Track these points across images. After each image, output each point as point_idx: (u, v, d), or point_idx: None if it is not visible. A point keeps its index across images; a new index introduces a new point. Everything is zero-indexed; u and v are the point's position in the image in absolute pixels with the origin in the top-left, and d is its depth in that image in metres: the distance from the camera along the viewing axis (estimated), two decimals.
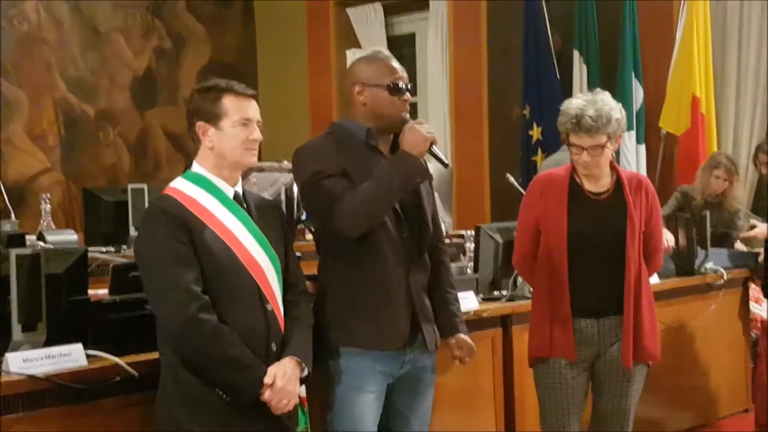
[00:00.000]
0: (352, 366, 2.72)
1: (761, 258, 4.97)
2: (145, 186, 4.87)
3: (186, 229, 2.45)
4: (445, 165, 2.78)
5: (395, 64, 2.81)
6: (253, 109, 2.58)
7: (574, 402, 3.25)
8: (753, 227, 5.03)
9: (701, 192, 5.31)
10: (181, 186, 2.56)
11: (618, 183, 3.25)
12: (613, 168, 3.28)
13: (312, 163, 2.70)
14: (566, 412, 3.24)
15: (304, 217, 5.61)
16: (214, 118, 2.53)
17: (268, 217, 2.66)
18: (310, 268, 3.60)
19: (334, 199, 2.63)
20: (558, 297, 3.18)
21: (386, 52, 2.88)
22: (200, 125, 2.54)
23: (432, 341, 2.83)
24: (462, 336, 2.92)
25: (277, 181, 5.35)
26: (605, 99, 3.19)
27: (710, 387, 4.74)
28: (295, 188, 5.50)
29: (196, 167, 2.59)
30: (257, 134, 2.57)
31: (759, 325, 4.85)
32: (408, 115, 2.79)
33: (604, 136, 3.13)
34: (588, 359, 3.24)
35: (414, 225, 2.80)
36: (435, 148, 2.72)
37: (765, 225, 5.04)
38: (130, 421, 2.60)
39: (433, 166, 2.92)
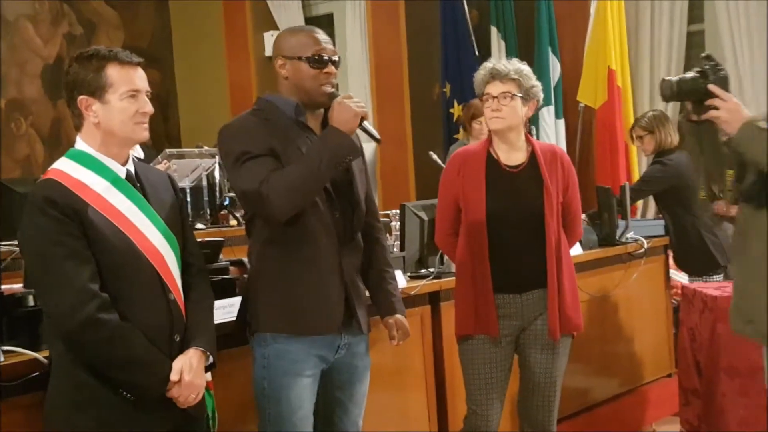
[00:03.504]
0: (287, 351, 2.65)
1: None
2: None
3: (77, 219, 2.24)
4: (378, 141, 2.70)
5: (319, 35, 2.69)
6: (140, 79, 2.35)
7: (498, 377, 3.27)
8: None
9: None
10: (65, 167, 2.32)
11: (533, 155, 3.27)
12: (528, 141, 3.31)
13: (238, 143, 2.58)
14: (489, 388, 3.27)
15: (227, 202, 5.54)
16: (98, 91, 2.29)
17: (162, 193, 2.47)
18: (235, 254, 3.54)
19: (261, 182, 2.51)
20: (480, 273, 3.20)
21: (312, 26, 2.79)
22: (83, 99, 2.30)
23: (365, 323, 2.79)
24: (400, 317, 2.89)
25: (198, 167, 5.26)
26: (523, 64, 3.31)
27: (635, 354, 4.83)
28: (217, 174, 5.42)
29: (80, 145, 2.36)
30: (148, 107, 2.36)
31: (680, 291, 4.95)
32: (334, 89, 2.69)
33: (515, 85, 3.20)
34: (512, 334, 3.26)
35: (346, 205, 2.72)
36: (366, 123, 2.63)
37: None
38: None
39: (364, 145, 2.87)
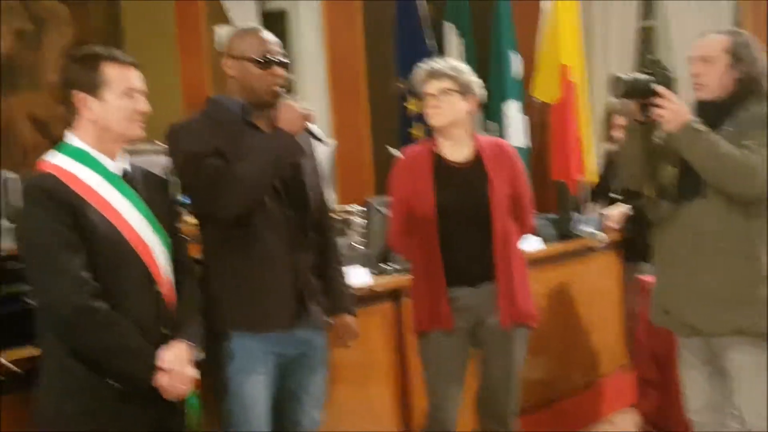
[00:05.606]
0: (241, 349, 2.69)
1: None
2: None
3: (71, 211, 2.32)
4: (323, 142, 2.78)
5: (266, 36, 2.75)
6: (136, 78, 2.46)
7: (454, 369, 3.32)
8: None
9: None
10: (60, 162, 2.41)
11: (478, 151, 3.34)
12: (473, 137, 3.36)
13: (184, 144, 2.64)
14: (447, 380, 3.31)
15: (183, 199, 5.48)
16: (94, 88, 2.39)
17: (155, 192, 2.55)
18: (194, 252, 3.49)
19: (208, 182, 2.57)
20: (432, 269, 3.25)
21: (260, 27, 2.83)
22: (79, 96, 2.40)
23: (319, 319, 2.82)
24: (347, 318, 2.93)
25: (154, 164, 5.20)
26: (459, 62, 3.43)
27: (593, 346, 4.90)
28: None
29: (74, 141, 2.44)
30: (144, 105, 2.45)
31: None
32: (282, 90, 2.74)
33: (451, 81, 3.26)
34: (467, 326, 3.31)
35: (297, 203, 2.77)
36: (311, 126, 2.69)
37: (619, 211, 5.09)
38: (15, 420, 2.47)
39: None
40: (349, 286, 3.01)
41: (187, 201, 5.50)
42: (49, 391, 2.37)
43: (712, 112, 3.02)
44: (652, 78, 2.99)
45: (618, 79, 2.99)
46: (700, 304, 3.02)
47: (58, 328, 2.33)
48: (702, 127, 2.95)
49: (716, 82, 3.02)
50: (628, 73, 3.05)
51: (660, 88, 2.96)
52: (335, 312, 2.92)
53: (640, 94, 2.99)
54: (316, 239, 2.88)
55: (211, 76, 7.63)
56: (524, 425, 3.65)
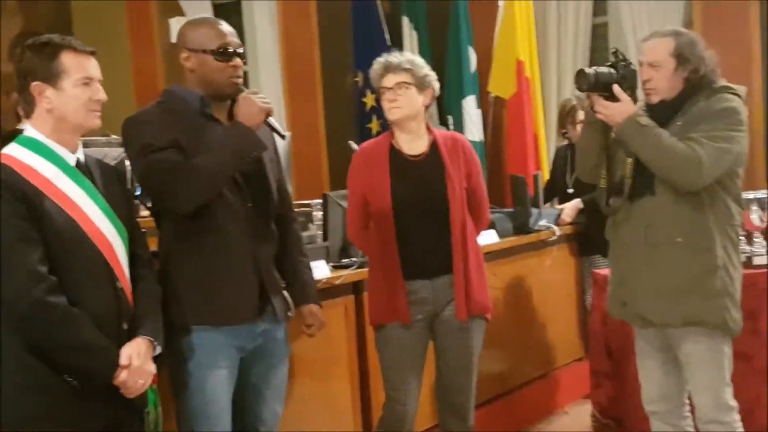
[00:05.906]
0: (202, 343, 2.65)
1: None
2: None
3: (26, 202, 2.26)
4: (282, 136, 2.75)
5: (223, 27, 2.71)
6: (94, 67, 2.41)
7: (412, 361, 3.33)
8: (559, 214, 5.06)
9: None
10: (15, 153, 2.35)
11: (434, 144, 3.35)
12: (429, 130, 3.39)
13: (141, 136, 2.58)
14: (405, 372, 3.32)
15: (138, 192, 5.40)
16: (51, 78, 2.34)
17: (111, 184, 2.50)
18: (149, 245, 3.46)
19: (165, 174, 2.52)
20: (389, 262, 3.26)
21: (215, 18, 2.80)
22: (36, 86, 2.34)
23: (281, 311, 2.80)
24: (313, 308, 2.91)
25: (107, 156, 5.11)
26: (415, 56, 3.45)
27: (548, 338, 4.94)
28: (127, 162, 5.28)
29: (30, 131, 2.38)
30: (102, 94, 2.40)
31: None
32: (241, 82, 2.71)
33: (408, 75, 3.29)
34: (425, 319, 3.32)
35: (258, 195, 2.74)
36: (271, 119, 2.68)
37: (572, 204, 5.10)
38: None
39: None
40: (312, 277, 3.00)
41: (141, 193, 5.44)
42: (6, 387, 2.30)
43: (664, 110, 3.09)
44: (614, 71, 3.05)
45: (582, 73, 3.04)
46: (655, 297, 3.08)
47: (14, 324, 2.27)
48: (646, 121, 3.01)
49: (665, 86, 3.08)
50: (591, 67, 3.09)
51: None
52: (301, 302, 2.90)
53: (602, 87, 3.05)
54: (278, 231, 2.85)
55: (164, 67, 7.56)
56: (480, 416, 3.68)
